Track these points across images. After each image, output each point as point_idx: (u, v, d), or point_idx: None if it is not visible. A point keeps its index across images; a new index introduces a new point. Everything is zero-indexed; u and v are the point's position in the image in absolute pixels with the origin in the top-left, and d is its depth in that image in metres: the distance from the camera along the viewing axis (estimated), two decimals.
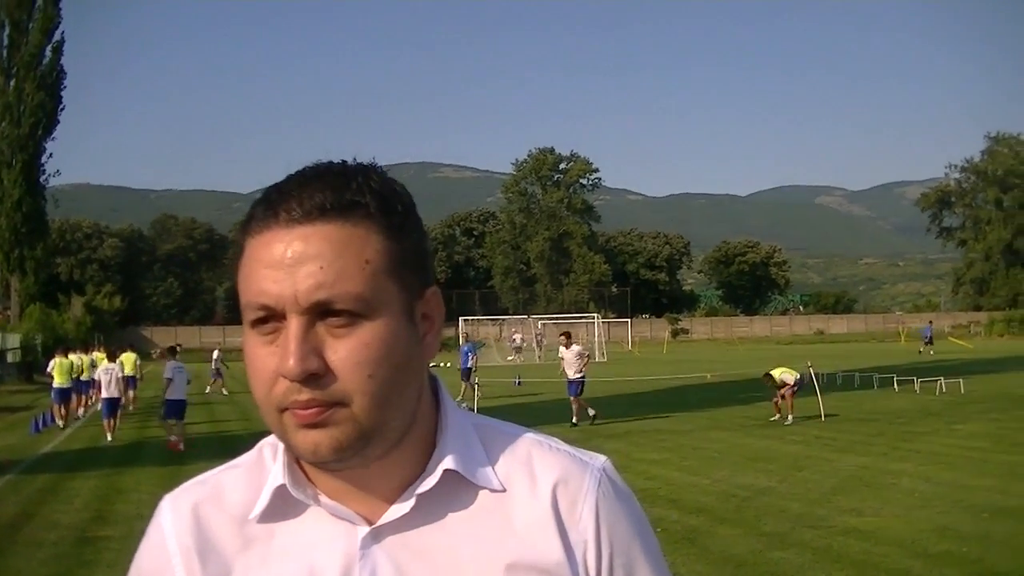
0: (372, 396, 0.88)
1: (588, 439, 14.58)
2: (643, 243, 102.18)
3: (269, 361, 0.88)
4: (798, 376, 16.72)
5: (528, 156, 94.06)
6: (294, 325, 0.86)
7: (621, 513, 0.99)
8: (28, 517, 9.51)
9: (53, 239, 60.18)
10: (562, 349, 18.10)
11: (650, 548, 1.01)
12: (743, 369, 28.53)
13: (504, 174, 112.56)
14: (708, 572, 6.90)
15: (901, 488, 9.99)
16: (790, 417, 16.23)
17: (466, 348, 23.96)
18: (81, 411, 21.11)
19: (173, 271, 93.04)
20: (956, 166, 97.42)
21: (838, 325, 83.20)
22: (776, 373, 16.81)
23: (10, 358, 37.41)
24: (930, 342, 46.13)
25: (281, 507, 0.96)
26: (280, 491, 0.96)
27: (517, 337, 51.29)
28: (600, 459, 1.02)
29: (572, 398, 17.38)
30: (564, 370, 17.82)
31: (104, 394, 16.60)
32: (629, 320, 71.19)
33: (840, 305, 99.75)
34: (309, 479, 0.97)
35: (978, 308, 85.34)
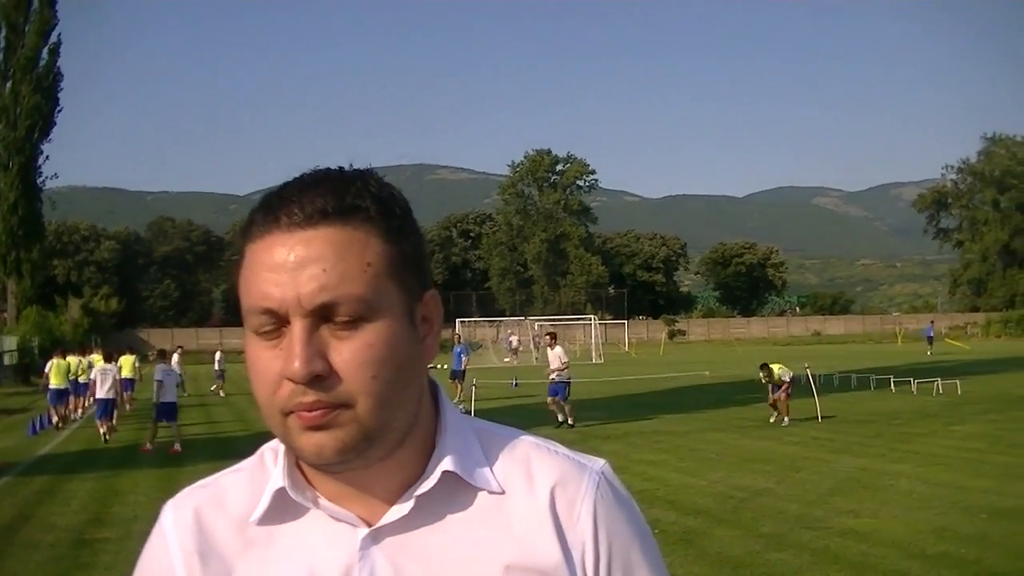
0: (376, 397, 0.88)
1: (585, 440, 14.60)
2: (640, 244, 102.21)
3: (273, 364, 0.88)
4: (793, 375, 16.73)
5: (525, 158, 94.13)
6: (298, 328, 0.87)
7: (619, 515, 0.99)
8: (25, 519, 9.49)
9: (50, 241, 60.06)
10: (548, 350, 18.02)
11: (649, 550, 1.01)
12: (740, 370, 28.53)
13: (501, 176, 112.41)
14: (706, 573, 6.90)
15: (898, 489, 10.00)
16: (786, 419, 16.25)
17: (458, 349, 23.91)
18: (79, 412, 21.07)
19: (170, 273, 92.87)
20: (953, 167, 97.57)
21: (835, 326, 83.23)
22: (776, 368, 16.76)
23: (7, 360, 37.35)
24: (930, 342, 46.21)
25: (281, 510, 0.97)
26: (280, 494, 0.96)
27: (514, 339, 51.29)
28: (599, 462, 1.02)
29: (551, 399, 17.07)
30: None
31: (99, 394, 16.54)
32: (626, 321, 71.39)
33: (837, 306, 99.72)
34: (309, 482, 0.97)
35: (975, 309, 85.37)
